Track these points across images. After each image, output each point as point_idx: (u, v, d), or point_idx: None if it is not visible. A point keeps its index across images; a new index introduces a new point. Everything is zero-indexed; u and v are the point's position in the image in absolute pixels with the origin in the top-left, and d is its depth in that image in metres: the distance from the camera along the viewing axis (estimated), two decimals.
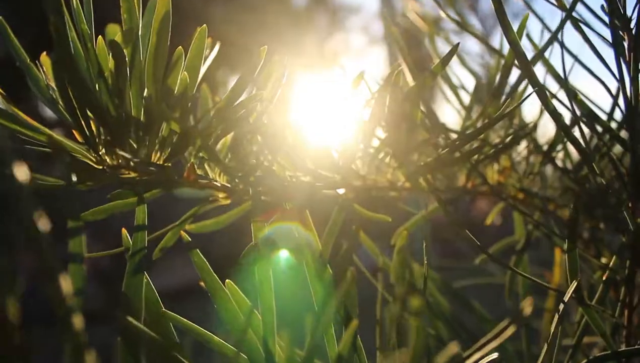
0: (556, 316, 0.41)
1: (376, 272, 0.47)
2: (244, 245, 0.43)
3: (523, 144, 0.56)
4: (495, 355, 0.36)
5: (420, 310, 0.25)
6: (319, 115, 0.45)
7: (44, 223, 0.24)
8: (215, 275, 0.39)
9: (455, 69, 0.64)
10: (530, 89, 0.46)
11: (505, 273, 0.59)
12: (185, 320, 0.38)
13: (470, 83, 0.58)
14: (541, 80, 0.44)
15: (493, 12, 0.40)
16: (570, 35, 0.50)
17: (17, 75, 0.45)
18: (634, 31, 0.44)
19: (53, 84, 0.43)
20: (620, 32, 0.45)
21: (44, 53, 0.43)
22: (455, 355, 0.32)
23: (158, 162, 0.41)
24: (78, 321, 0.23)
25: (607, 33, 0.45)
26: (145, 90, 0.40)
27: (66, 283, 0.22)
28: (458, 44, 0.40)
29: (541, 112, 0.54)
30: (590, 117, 0.44)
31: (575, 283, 0.40)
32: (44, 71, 0.43)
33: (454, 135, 0.47)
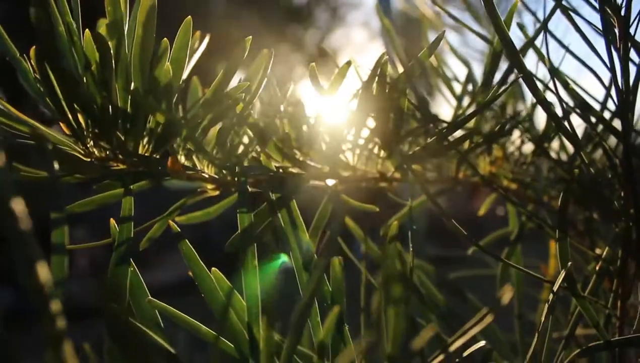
0: (546, 306, 0.41)
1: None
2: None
3: (516, 135, 0.55)
4: (482, 342, 0.36)
5: (402, 296, 0.25)
6: (308, 105, 0.45)
7: (20, 211, 0.24)
8: (202, 264, 0.39)
9: (450, 63, 0.63)
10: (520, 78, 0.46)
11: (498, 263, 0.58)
12: (171, 308, 0.38)
13: (463, 75, 0.58)
14: (533, 70, 0.44)
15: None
16: (562, 25, 0.49)
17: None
18: (624, 17, 0.44)
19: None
20: (611, 19, 0.44)
21: (33, 47, 0.44)
22: (440, 342, 0.32)
23: (145, 154, 0.41)
24: (57, 311, 0.23)
25: (597, 20, 0.44)
26: (132, 81, 0.40)
27: (44, 272, 0.22)
28: (444, 31, 0.40)
29: (534, 104, 0.54)
30: (582, 107, 0.44)
31: (565, 272, 0.39)
32: (32, 64, 0.43)
33: (444, 125, 0.47)
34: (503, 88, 0.42)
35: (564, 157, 0.56)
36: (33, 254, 0.23)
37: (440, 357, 0.35)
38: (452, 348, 0.32)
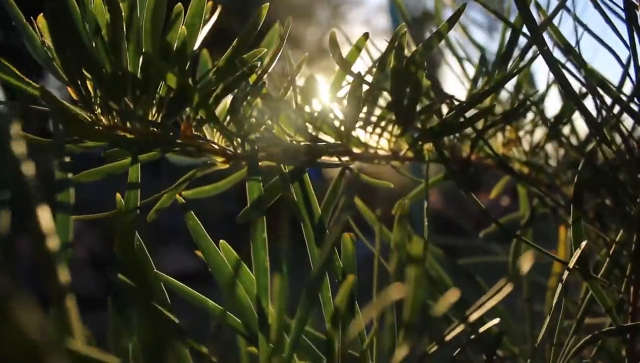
0: (560, 286, 0.40)
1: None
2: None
3: (528, 118, 0.54)
4: (497, 320, 0.35)
5: (422, 257, 0.24)
6: (321, 78, 0.44)
7: (27, 165, 0.22)
8: (209, 238, 0.38)
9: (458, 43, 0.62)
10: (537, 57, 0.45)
11: (507, 252, 0.58)
12: (175, 280, 0.37)
13: (474, 55, 0.57)
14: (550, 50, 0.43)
15: None
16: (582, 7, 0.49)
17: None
18: None
19: (48, 42, 0.42)
20: None
21: (41, 15, 0.42)
22: (458, 314, 0.31)
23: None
24: (63, 272, 0.21)
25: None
26: (143, 46, 0.39)
27: (48, 222, 0.21)
28: (465, 4, 0.39)
29: (548, 86, 0.53)
30: (601, 86, 0.43)
31: (581, 251, 0.39)
32: (39, 30, 0.42)
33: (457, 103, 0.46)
34: (523, 64, 0.41)
35: (574, 141, 0.56)
36: (36, 203, 0.22)
37: (458, 329, 0.34)
38: (471, 319, 0.32)
